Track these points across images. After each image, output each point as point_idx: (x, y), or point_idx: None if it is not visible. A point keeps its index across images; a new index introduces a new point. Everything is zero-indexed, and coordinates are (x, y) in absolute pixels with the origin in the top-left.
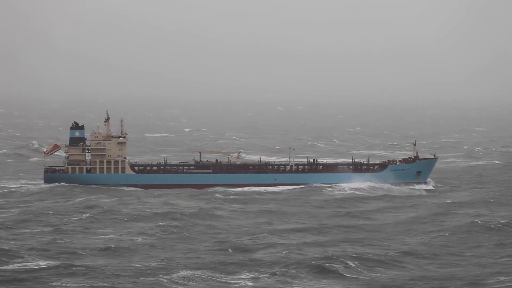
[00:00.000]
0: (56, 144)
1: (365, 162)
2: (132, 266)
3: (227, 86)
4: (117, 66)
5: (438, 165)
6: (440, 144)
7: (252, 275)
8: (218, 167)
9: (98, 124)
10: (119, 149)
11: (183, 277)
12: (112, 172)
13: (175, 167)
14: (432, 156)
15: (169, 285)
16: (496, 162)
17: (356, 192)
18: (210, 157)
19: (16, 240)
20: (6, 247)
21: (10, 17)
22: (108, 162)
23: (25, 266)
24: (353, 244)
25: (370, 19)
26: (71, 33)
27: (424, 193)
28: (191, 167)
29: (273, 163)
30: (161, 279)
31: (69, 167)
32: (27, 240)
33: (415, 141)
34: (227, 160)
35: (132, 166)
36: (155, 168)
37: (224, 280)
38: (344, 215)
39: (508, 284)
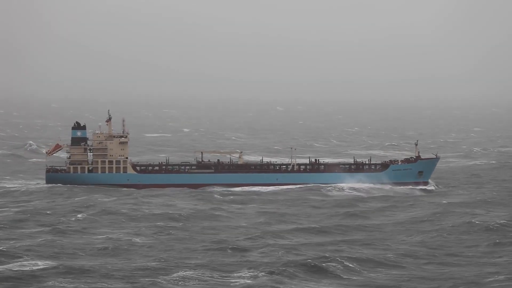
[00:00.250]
0: (58, 144)
1: (367, 162)
2: (131, 266)
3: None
4: (122, 58)
5: (437, 165)
6: (439, 144)
7: (251, 275)
8: (220, 167)
9: (100, 124)
10: (121, 149)
11: (182, 277)
12: (114, 172)
13: (177, 167)
14: (434, 156)
15: (167, 285)
16: (493, 162)
17: (357, 192)
18: (212, 157)
19: (14, 240)
20: (4, 247)
21: (15, 10)
22: (110, 162)
23: (23, 266)
24: (352, 244)
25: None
26: (76, 25)
27: (424, 193)
28: (192, 167)
29: (274, 163)
30: (160, 279)
31: (71, 167)
32: (26, 240)
33: (417, 141)
34: (229, 160)
35: (133, 166)
36: (156, 168)
37: (222, 280)
38: (344, 215)
39: (507, 283)
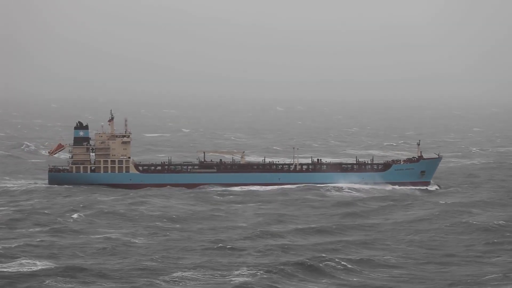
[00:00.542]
0: (60, 144)
1: (369, 162)
2: (129, 266)
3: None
4: (122, 58)
5: None
6: (438, 144)
7: (249, 275)
8: (222, 167)
9: (102, 123)
10: (123, 149)
11: (180, 278)
12: (116, 171)
13: (179, 166)
14: (436, 156)
15: (166, 286)
16: (492, 162)
17: (357, 192)
18: (214, 157)
19: (13, 240)
20: (2, 247)
21: (15, 10)
22: (113, 162)
23: (21, 265)
24: (352, 244)
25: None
26: (76, 24)
27: (422, 193)
28: (195, 167)
29: (277, 162)
30: (158, 280)
31: (74, 166)
32: (24, 239)
33: (419, 140)
34: (231, 160)
35: (136, 166)
36: (159, 167)
37: (220, 280)
38: (343, 215)
39: (505, 283)
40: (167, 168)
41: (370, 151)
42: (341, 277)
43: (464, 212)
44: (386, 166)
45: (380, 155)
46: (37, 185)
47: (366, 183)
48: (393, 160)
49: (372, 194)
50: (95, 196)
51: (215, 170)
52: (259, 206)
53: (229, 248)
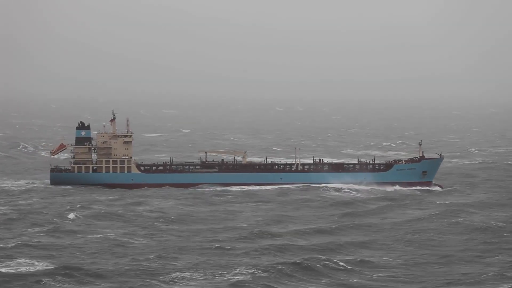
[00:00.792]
0: (62, 144)
1: (371, 162)
2: (127, 266)
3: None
4: (122, 58)
5: None
6: (437, 144)
7: (248, 275)
8: (224, 167)
9: (104, 123)
10: (125, 149)
11: (178, 277)
12: (118, 171)
13: (181, 166)
14: (438, 156)
15: (164, 286)
16: (490, 162)
17: (358, 192)
18: (216, 157)
19: (11, 240)
20: (0, 247)
21: (16, 9)
22: (114, 162)
23: (18, 265)
24: (351, 244)
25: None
26: (76, 24)
27: (422, 193)
28: (197, 167)
29: (279, 162)
30: (156, 280)
31: (75, 166)
32: (22, 240)
33: (421, 140)
34: (233, 160)
35: (138, 166)
36: (161, 167)
37: (219, 280)
38: (343, 215)
39: (504, 282)
40: (169, 168)
41: (369, 151)
42: (340, 277)
43: (462, 212)
44: (388, 166)
45: (379, 155)
46: (35, 185)
47: (367, 183)
48: (394, 160)
49: (371, 194)
50: (94, 196)
51: (216, 170)
52: (258, 206)
53: (228, 248)
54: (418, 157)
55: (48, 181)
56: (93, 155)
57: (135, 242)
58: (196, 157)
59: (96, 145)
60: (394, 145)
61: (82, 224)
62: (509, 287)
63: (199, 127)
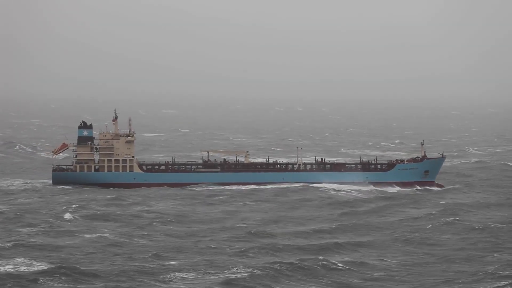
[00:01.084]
0: (64, 143)
1: (373, 161)
2: (124, 266)
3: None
4: (122, 58)
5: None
6: (436, 144)
7: (246, 275)
8: (226, 167)
9: (106, 123)
10: (127, 148)
11: (177, 277)
12: (120, 171)
13: (183, 166)
14: (440, 156)
15: (162, 285)
16: (489, 161)
17: (358, 191)
18: (218, 157)
19: (9, 240)
20: None
21: (15, 9)
22: (116, 161)
23: (15, 265)
24: (350, 244)
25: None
26: (76, 24)
27: (422, 192)
28: (199, 166)
29: (281, 162)
30: (154, 279)
31: (77, 166)
32: (19, 239)
33: (423, 140)
34: (235, 160)
35: (140, 165)
36: (163, 167)
37: (217, 280)
38: (343, 215)
39: (502, 281)
40: (171, 167)
41: (367, 151)
42: (340, 277)
43: (460, 211)
44: (390, 165)
45: (378, 154)
46: (36, 185)
47: (370, 183)
48: (397, 160)
49: (370, 194)
50: (93, 195)
51: (219, 170)
52: (258, 205)
53: (226, 248)
54: (420, 156)
55: (50, 180)
56: (95, 154)
57: (133, 242)
58: (194, 157)
59: (98, 145)
60: (392, 145)
61: (79, 224)
62: (505, 284)
63: (198, 127)
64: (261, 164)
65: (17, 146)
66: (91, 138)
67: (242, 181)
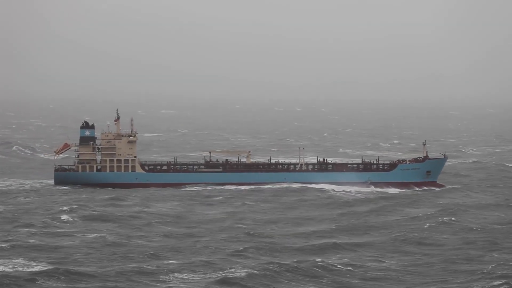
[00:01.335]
0: (66, 143)
1: (375, 161)
2: (124, 266)
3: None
4: (122, 58)
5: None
6: (435, 144)
7: (245, 275)
8: (228, 167)
9: (108, 123)
10: (129, 148)
11: (176, 277)
12: (122, 171)
13: (185, 166)
14: (442, 156)
15: (160, 285)
16: (487, 162)
17: (358, 192)
18: (220, 156)
19: (5, 239)
20: None
21: (15, 10)
22: (118, 161)
23: (13, 265)
24: (350, 244)
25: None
26: (76, 24)
27: (422, 192)
28: (201, 166)
29: (282, 162)
30: (152, 279)
31: (80, 166)
32: (17, 239)
33: (425, 140)
34: (237, 160)
35: (142, 165)
36: (165, 167)
37: (215, 280)
38: (344, 215)
39: (501, 281)
40: (173, 167)
41: (366, 151)
42: (339, 278)
43: (459, 211)
44: (392, 166)
45: (378, 155)
46: (37, 185)
47: (372, 183)
48: (399, 160)
49: (370, 194)
50: (91, 196)
51: (221, 170)
52: (257, 205)
53: (225, 249)
54: (422, 157)
55: (51, 181)
56: (97, 154)
57: (131, 242)
58: (193, 157)
59: (100, 145)
60: (390, 145)
61: (78, 225)
62: (502, 282)
63: (197, 127)
64: (263, 164)
65: (14, 147)
66: (93, 138)
67: (244, 181)
